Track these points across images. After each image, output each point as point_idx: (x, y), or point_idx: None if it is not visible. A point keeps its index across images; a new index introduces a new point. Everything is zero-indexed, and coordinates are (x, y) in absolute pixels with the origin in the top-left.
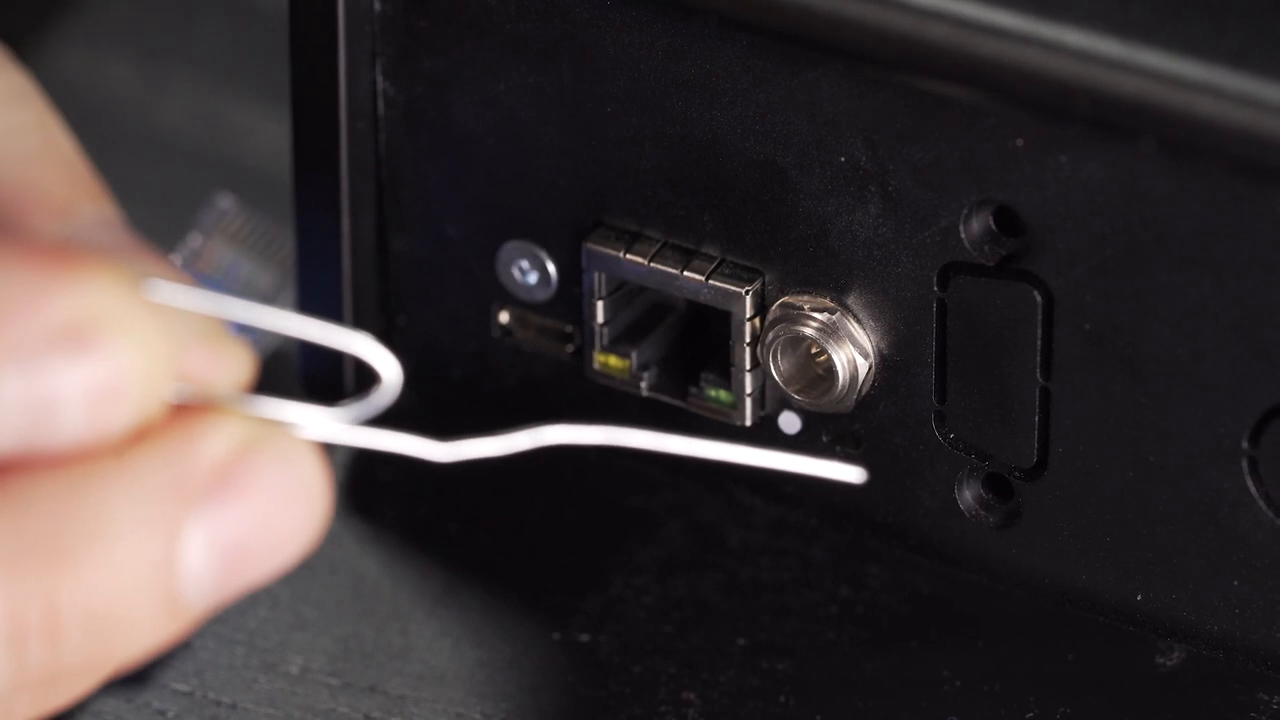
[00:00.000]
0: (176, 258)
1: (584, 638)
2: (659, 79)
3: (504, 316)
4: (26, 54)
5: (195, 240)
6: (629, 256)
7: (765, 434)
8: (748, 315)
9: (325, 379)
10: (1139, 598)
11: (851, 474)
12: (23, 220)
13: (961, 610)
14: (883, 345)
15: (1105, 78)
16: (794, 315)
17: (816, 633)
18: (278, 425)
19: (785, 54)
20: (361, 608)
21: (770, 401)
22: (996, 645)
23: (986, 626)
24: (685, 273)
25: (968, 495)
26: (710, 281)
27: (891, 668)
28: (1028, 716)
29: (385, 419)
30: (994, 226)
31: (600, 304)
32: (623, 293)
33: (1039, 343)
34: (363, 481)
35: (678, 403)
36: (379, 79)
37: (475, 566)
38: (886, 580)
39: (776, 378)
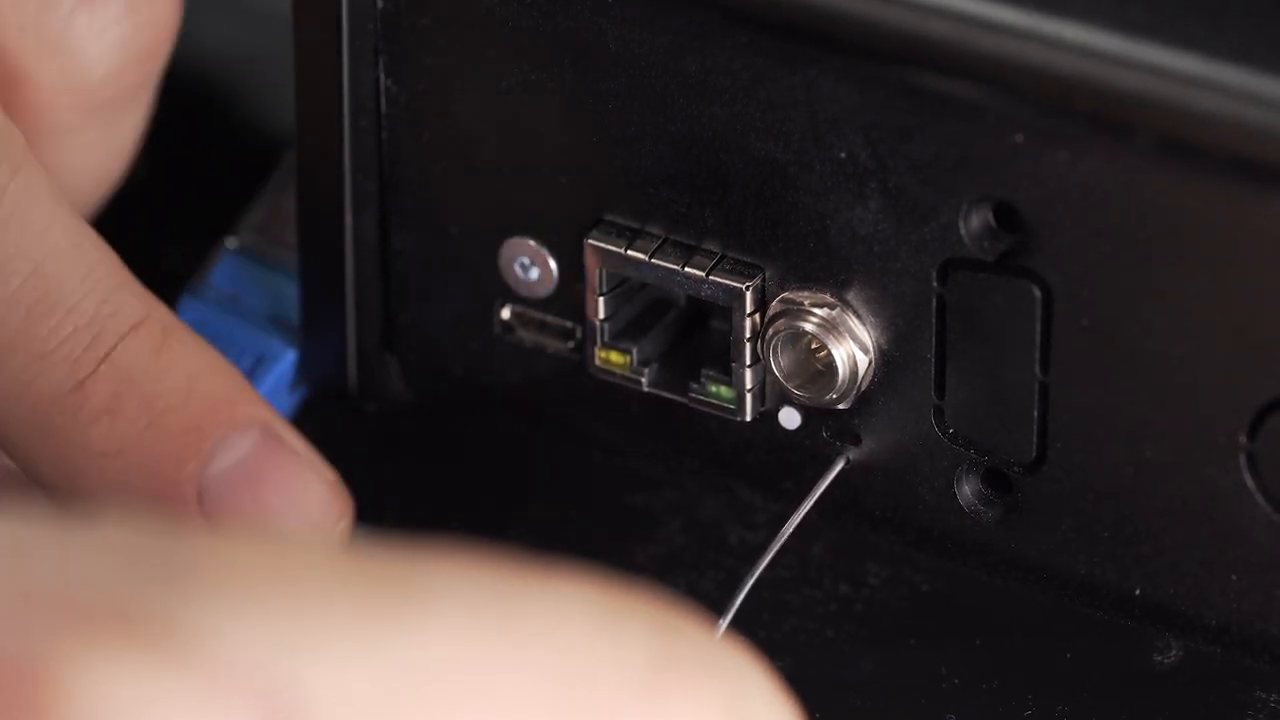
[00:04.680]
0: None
1: None
2: (660, 76)
3: (505, 313)
4: None
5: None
6: (630, 253)
7: (765, 429)
8: (748, 311)
9: (328, 378)
10: (1137, 592)
11: None
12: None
13: (960, 608)
14: (882, 341)
15: (1104, 73)
16: (794, 311)
17: (815, 630)
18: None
19: (786, 51)
20: None
21: (770, 397)
22: (995, 643)
23: (985, 624)
24: (686, 269)
25: (966, 490)
26: (711, 277)
27: (890, 665)
28: (1026, 714)
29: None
30: (993, 222)
31: (601, 300)
32: (623, 289)
33: (1038, 338)
34: (364, 481)
35: (678, 398)
36: (382, 76)
37: None
38: (885, 578)
39: (777, 373)
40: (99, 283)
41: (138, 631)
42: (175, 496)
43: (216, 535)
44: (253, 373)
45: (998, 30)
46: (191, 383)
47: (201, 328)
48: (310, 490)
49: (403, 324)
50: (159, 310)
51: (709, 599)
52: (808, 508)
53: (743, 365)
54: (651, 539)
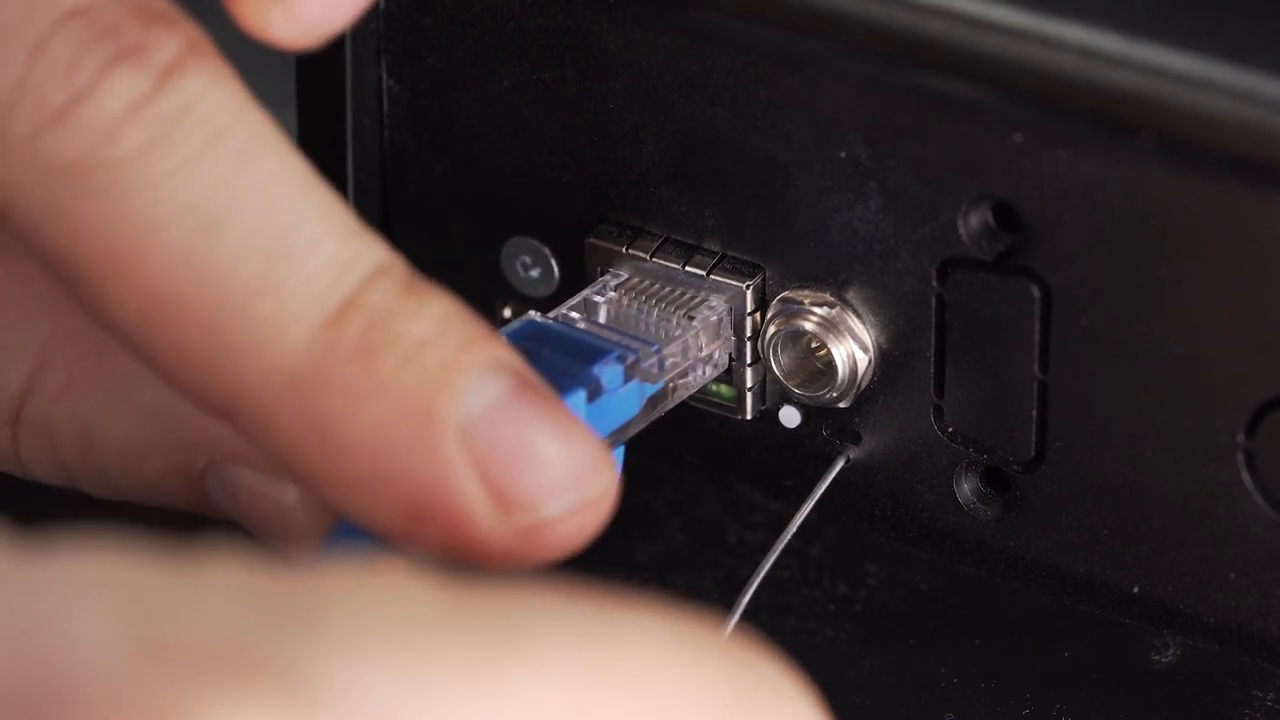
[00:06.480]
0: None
1: None
2: (661, 76)
3: (507, 312)
4: None
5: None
6: (630, 252)
7: (766, 428)
8: (748, 310)
9: None
10: (1135, 590)
11: None
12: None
13: (959, 608)
14: (882, 340)
15: (1104, 73)
16: (794, 310)
17: (815, 630)
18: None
19: (786, 50)
20: None
21: (771, 396)
22: (994, 642)
23: (984, 624)
24: (686, 268)
25: (966, 488)
26: (711, 276)
27: (889, 665)
28: (1024, 713)
29: None
30: (992, 222)
31: None
32: None
33: (1037, 337)
34: None
35: None
36: (384, 76)
37: None
38: (884, 578)
39: (777, 372)
40: (337, 225)
41: (262, 679)
42: (434, 434)
43: (328, 576)
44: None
45: (998, 30)
46: (444, 320)
47: None
48: (578, 437)
49: None
50: (399, 258)
51: (709, 599)
52: (809, 507)
53: (743, 364)
54: (651, 539)
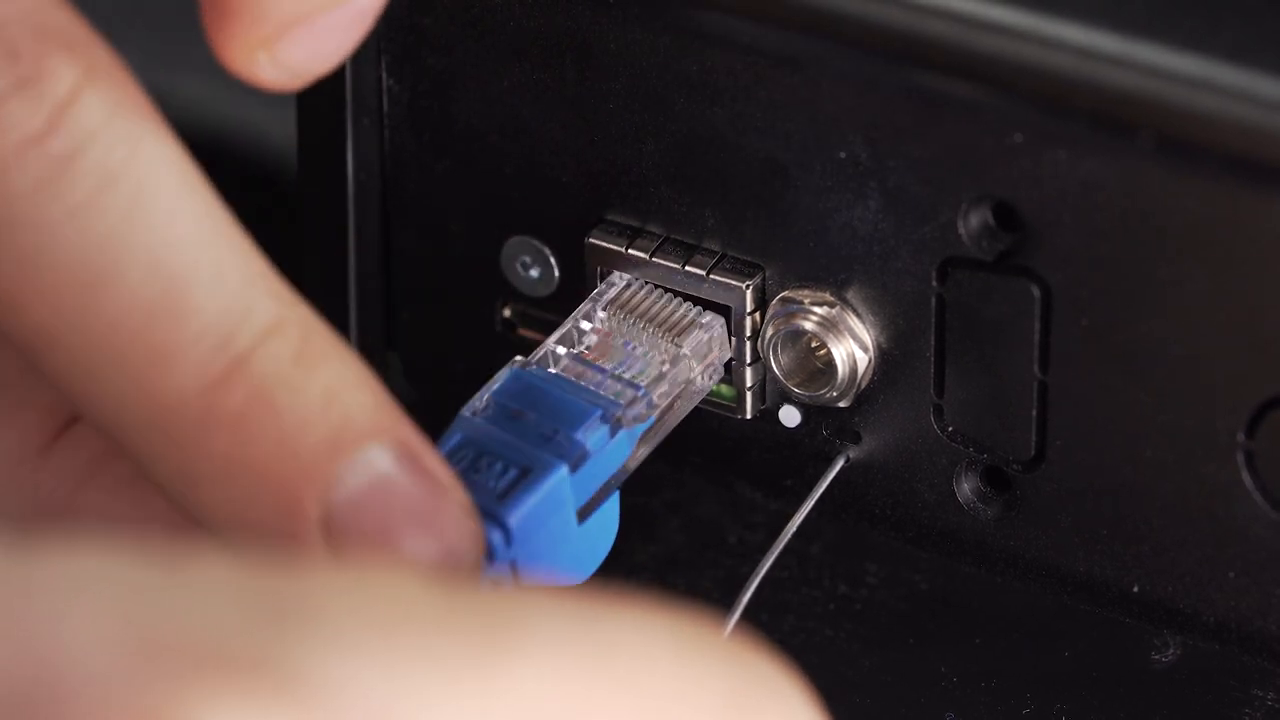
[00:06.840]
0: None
1: None
2: (660, 76)
3: (506, 311)
4: None
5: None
6: (630, 251)
7: (766, 427)
8: (748, 310)
9: None
10: (1135, 589)
11: None
12: (159, 357)
13: (959, 607)
14: (882, 339)
15: (1104, 73)
16: (794, 310)
17: (814, 629)
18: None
19: (786, 50)
20: None
21: (770, 395)
22: (994, 642)
23: (984, 623)
24: (686, 267)
25: (966, 488)
26: (711, 276)
27: (889, 664)
28: (1025, 713)
29: None
30: (992, 222)
31: None
32: None
33: (1037, 337)
34: None
35: None
36: (384, 76)
37: None
38: (884, 577)
39: (777, 372)
40: (230, 279)
41: (259, 678)
42: (296, 522)
43: (321, 571)
44: (517, 483)
45: (998, 30)
46: (329, 396)
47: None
48: (445, 520)
49: (405, 322)
50: (297, 309)
51: (709, 599)
52: (809, 506)
53: (743, 364)
54: (651, 539)
